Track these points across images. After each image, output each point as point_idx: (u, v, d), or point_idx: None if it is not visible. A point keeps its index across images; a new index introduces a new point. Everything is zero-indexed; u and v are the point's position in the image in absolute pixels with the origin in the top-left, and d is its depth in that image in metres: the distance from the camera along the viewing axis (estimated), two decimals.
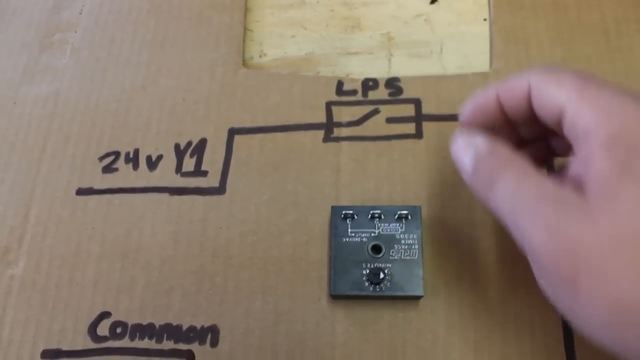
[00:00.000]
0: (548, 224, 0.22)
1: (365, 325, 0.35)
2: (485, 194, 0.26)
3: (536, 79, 0.26)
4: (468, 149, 0.28)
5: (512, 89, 0.27)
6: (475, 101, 0.30)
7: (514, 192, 0.24)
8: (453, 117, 0.39)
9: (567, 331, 0.34)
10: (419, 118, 0.39)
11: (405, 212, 0.34)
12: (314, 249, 0.36)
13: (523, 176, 0.25)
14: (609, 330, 0.22)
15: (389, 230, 0.34)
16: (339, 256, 0.34)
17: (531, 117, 0.28)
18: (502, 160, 0.26)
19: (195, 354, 0.35)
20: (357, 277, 0.33)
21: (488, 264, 0.35)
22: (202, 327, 0.35)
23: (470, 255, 0.36)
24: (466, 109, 0.31)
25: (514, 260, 0.36)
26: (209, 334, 0.35)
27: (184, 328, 0.35)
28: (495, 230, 0.36)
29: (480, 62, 0.41)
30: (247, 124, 0.39)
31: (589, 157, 0.22)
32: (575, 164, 0.25)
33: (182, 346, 0.35)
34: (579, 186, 0.24)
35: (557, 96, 0.24)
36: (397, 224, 0.34)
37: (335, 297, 0.34)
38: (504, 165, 0.25)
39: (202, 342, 0.35)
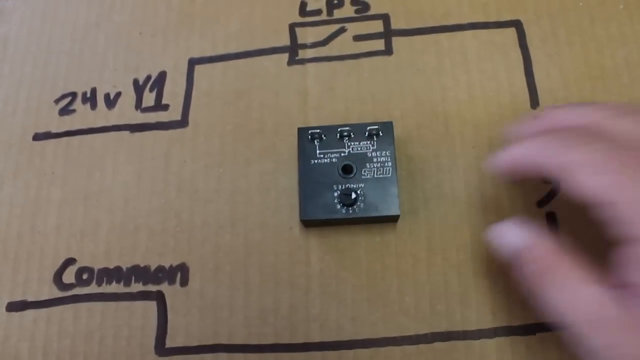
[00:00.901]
0: (609, 349, 0.21)
1: (341, 252, 0.33)
2: (533, 293, 0.24)
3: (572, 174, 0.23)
4: (511, 240, 0.26)
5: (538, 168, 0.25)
6: (511, 162, 0.27)
7: (570, 306, 0.23)
8: (423, 31, 0.36)
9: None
10: (388, 34, 0.36)
11: (376, 128, 0.31)
12: (283, 176, 0.34)
13: (578, 287, 0.23)
14: None
15: (359, 148, 0.32)
16: (308, 179, 0.32)
17: None
18: (551, 263, 0.24)
19: (165, 295, 0.33)
20: (329, 199, 0.31)
21: (468, 178, 0.33)
22: (171, 266, 0.33)
23: (448, 172, 0.34)
24: (501, 163, 0.27)
25: (495, 176, 0.34)
26: (179, 273, 0.33)
27: (152, 269, 0.33)
28: (475, 143, 0.34)
29: None
30: (208, 53, 0.37)
31: None
32: (629, 265, 0.22)
33: (151, 287, 0.33)
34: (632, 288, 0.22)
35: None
36: (368, 142, 0.32)
37: (307, 223, 0.32)
38: (554, 269, 0.24)
39: (171, 281, 0.33)
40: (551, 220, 0.32)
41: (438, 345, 0.31)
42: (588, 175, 0.22)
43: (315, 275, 0.32)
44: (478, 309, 0.31)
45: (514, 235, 0.26)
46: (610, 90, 0.34)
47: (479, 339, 0.31)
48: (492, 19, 0.37)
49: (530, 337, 0.31)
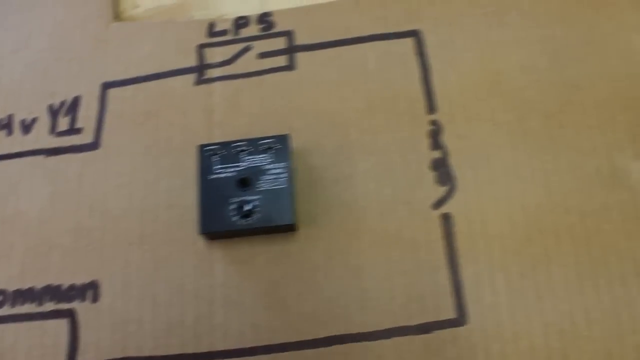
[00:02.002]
0: None
1: (243, 263, 0.34)
2: None
3: None
4: None
5: None
6: None
7: None
8: (325, 45, 0.38)
9: (450, 247, 0.33)
10: (291, 49, 0.38)
11: (270, 141, 0.33)
12: (189, 192, 0.35)
13: None
14: None
15: (256, 162, 0.33)
16: (207, 194, 0.33)
17: None
18: None
19: (77, 312, 0.34)
20: (226, 212, 0.33)
21: (367, 185, 0.35)
22: (83, 283, 0.35)
23: (347, 180, 0.35)
24: None
25: (392, 180, 0.35)
26: (90, 290, 0.34)
27: (64, 287, 0.35)
28: (372, 150, 0.35)
29: None
30: (120, 77, 0.38)
31: None
32: None
33: (63, 305, 0.34)
34: None
35: None
36: (265, 155, 0.33)
37: (209, 235, 0.33)
38: None
39: (83, 299, 0.34)
40: (446, 221, 0.33)
41: (336, 348, 0.32)
42: None
43: (219, 285, 0.33)
44: (375, 310, 0.32)
45: None
46: (505, 93, 0.36)
47: (376, 340, 0.32)
48: (392, 29, 0.38)
49: (426, 336, 0.32)
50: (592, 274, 0.32)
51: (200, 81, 0.37)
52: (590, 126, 0.35)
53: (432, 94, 0.36)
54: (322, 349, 0.32)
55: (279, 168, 0.33)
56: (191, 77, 0.38)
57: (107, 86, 0.38)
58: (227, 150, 0.33)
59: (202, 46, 0.38)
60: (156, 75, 0.38)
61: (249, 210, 0.32)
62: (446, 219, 0.33)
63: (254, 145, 0.33)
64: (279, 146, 0.33)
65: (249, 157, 0.33)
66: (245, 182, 0.33)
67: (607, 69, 0.36)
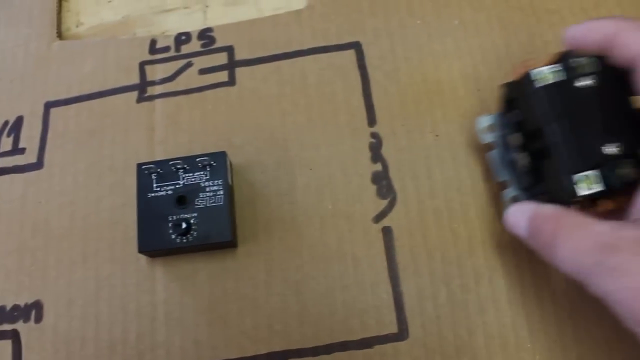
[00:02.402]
0: (616, 276, 0.22)
1: (184, 279, 0.34)
2: (548, 256, 0.26)
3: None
4: (521, 216, 0.28)
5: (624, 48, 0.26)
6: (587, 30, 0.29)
7: (573, 250, 0.24)
8: (265, 59, 0.38)
9: (391, 261, 0.33)
10: (232, 65, 0.38)
11: (206, 159, 0.33)
12: (131, 210, 0.35)
13: (578, 230, 0.24)
14: None
15: (194, 179, 0.33)
16: (146, 213, 0.33)
17: None
18: (555, 220, 0.25)
19: (20, 333, 0.34)
20: (164, 230, 0.33)
21: (307, 200, 0.35)
22: (26, 304, 0.35)
23: (287, 195, 0.35)
24: (575, 32, 0.29)
25: (332, 194, 0.36)
26: (33, 310, 0.35)
27: (8, 308, 0.35)
28: (312, 165, 0.36)
29: (297, 0, 0.40)
30: (63, 96, 0.39)
31: None
32: None
33: (7, 327, 0.34)
34: None
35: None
36: (202, 173, 0.33)
37: (149, 254, 0.34)
38: (558, 225, 0.25)
39: (26, 319, 0.34)
40: (387, 234, 0.33)
41: None
42: None
43: (160, 303, 0.34)
44: (316, 326, 0.33)
45: (516, 217, 0.28)
46: (446, 103, 0.36)
47: (315, 355, 0.32)
48: (333, 42, 0.38)
49: (367, 351, 0.32)
50: (534, 285, 0.32)
51: (142, 99, 0.38)
52: None
53: (372, 106, 0.36)
54: None
55: (216, 185, 0.33)
56: (133, 95, 0.38)
57: (49, 105, 0.38)
58: (165, 169, 0.34)
59: (144, 63, 0.38)
60: (99, 93, 0.38)
61: (187, 228, 0.32)
62: (387, 232, 0.34)
63: (191, 162, 0.33)
64: (215, 163, 0.33)
65: (187, 175, 0.34)
66: (182, 200, 0.33)
67: None
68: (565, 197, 0.27)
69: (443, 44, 0.38)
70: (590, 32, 0.28)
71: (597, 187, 0.26)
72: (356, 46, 0.38)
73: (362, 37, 0.38)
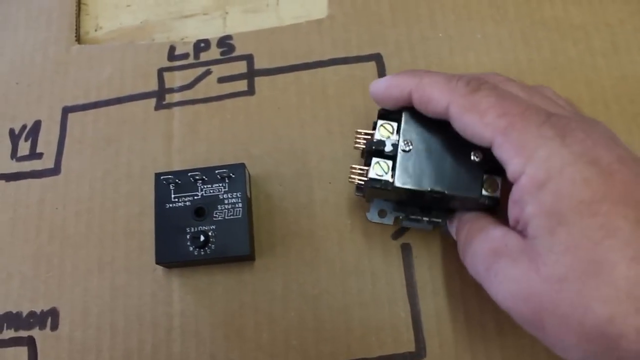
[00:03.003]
0: (500, 281, 0.23)
1: (200, 292, 0.34)
2: (463, 261, 0.27)
3: (457, 106, 0.25)
4: (451, 227, 0.30)
5: (428, 101, 0.26)
6: (387, 87, 0.28)
7: (473, 255, 0.26)
8: (285, 69, 0.38)
9: (410, 279, 0.33)
10: (251, 74, 0.38)
11: (225, 171, 0.32)
12: (147, 219, 0.35)
13: (479, 235, 0.26)
14: (582, 356, 0.22)
15: (212, 191, 0.33)
16: (163, 223, 0.33)
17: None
18: (468, 225, 0.27)
19: (36, 340, 0.34)
20: (182, 242, 0.33)
21: (325, 214, 0.35)
22: (42, 311, 0.35)
23: (305, 208, 0.35)
24: (377, 89, 0.29)
25: (350, 209, 0.35)
26: (49, 318, 0.35)
27: (24, 314, 0.35)
28: (331, 178, 0.36)
29: (317, 9, 0.39)
30: (81, 101, 0.38)
31: (523, 203, 0.23)
32: (513, 207, 0.24)
33: (23, 333, 0.34)
34: (522, 229, 0.24)
35: (482, 134, 0.24)
36: (220, 184, 0.33)
37: (165, 265, 0.33)
38: (469, 230, 0.27)
39: (42, 326, 0.34)
40: (406, 251, 0.33)
41: None
42: (480, 116, 0.24)
43: (177, 314, 0.33)
44: (332, 342, 0.32)
45: (449, 227, 0.31)
46: None
47: None
48: (353, 53, 0.38)
49: None
50: None
51: (160, 106, 0.37)
52: None
53: None
54: None
55: (234, 198, 0.33)
56: (152, 102, 0.38)
57: (67, 110, 0.38)
58: (183, 179, 0.33)
59: (163, 70, 0.38)
60: (117, 99, 0.38)
61: (205, 241, 0.32)
62: (406, 249, 0.33)
63: (210, 174, 0.33)
64: (234, 175, 0.33)
65: (205, 186, 0.33)
66: (201, 211, 0.33)
67: (572, 94, 0.36)
68: None
69: (465, 57, 0.37)
70: (390, 90, 0.28)
71: None
72: (377, 58, 0.37)
73: (383, 48, 0.38)
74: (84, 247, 0.35)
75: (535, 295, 0.22)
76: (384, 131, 0.28)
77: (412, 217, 0.31)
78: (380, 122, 0.29)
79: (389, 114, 0.29)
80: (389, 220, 0.33)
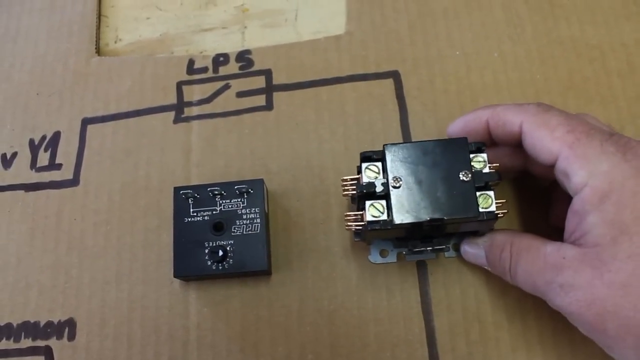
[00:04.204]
0: (565, 291, 0.25)
1: (217, 305, 0.34)
2: (509, 280, 0.29)
3: (529, 123, 0.27)
4: (478, 248, 0.31)
5: (503, 124, 0.29)
6: (465, 122, 0.31)
7: (528, 272, 0.27)
8: (303, 85, 0.38)
9: (425, 295, 0.33)
10: (270, 89, 0.38)
11: (244, 187, 0.33)
12: (165, 232, 0.35)
13: (528, 253, 0.27)
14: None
15: (230, 206, 0.33)
16: (182, 237, 0.33)
17: (519, 148, 0.29)
18: (509, 246, 0.29)
19: (54, 349, 0.35)
20: (200, 256, 0.33)
21: (342, 231, 0.35)
22: (60, 321, 0.35)
23: (322, 224, 0.35)
24: (455, 128, 0.31)
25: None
26: (67, 328, 0.35)
27: (42, 324, 0.35)
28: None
29: (336, 25, 0.40)
30: (100, 113, 0.39)
31: (585, 213, 0.25)
32: (572, 217, 0.26)
33: (40, 343, 0.35)
34: (579, 238, 0.25)
35: (550, 147, 0.26)
36: (239, 200, 0.34)
37: (184, 278, 0.34)
38: (512, 250, 0.28)
39: (59, 336, 0.35)
40: (421, 268, 0.34)
41: None
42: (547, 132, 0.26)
43: (193, 327, 0.34)
44: (347, 357, 0.33)
45: (473, 250, 0.32)
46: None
47: None
48: (371, 70, 0.38)
49: None
50: (566, 326, 0.32)
51: (179, 119, 0.38)
52: None
53: (410, 137, 0.36)
54: None
55: (252, 213, 0.33)
56: (170, 115, 0.38)
57: (87, 122, 0.39)
58: (202, 194, 0.34)
59: (182, 83, 0.39)
60: (136, 112, 0.38)
61: (223, 256, 0.32)
62: (421, 266, 0.34)
63: (229, 189, 0.34)
64: (252, 191, 0.33)
65: (224, 201, 0.34)
66: (219, 226, 0.33)
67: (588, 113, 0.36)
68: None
69: (482, 76, 0.38)
70: (468, 124, 0.31)
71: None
72: (395, 75, 0.38)
73: (401, 66, 0.38)
74: (102, 258, 0.36)
75: (599, 300, 0.24)
76: (370, 173, 0.29)
77: (416, 250, 0.31)
78: (364, 165, 0.29)
79: (371, 156, 0.29)
80: (392, 258, 0.34)
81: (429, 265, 0.33)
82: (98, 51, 0.41)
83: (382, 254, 0.34)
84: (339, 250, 0.34)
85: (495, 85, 0.37)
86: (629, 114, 0.36)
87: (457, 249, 0.33)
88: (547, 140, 0.26)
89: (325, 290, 0.34)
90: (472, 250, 0.32)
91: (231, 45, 0.40)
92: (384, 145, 0.28)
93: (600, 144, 0.25)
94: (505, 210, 0.28)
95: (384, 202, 0.28)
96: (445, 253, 0.33)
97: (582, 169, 0.25)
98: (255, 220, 0.33)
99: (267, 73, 0.38)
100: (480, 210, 0.27)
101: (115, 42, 0.42)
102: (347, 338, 0.33)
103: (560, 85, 0.37)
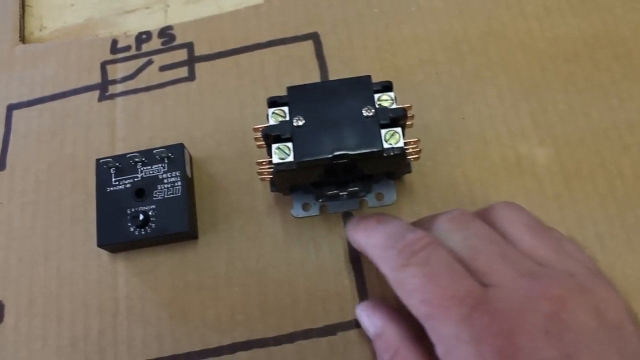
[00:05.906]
0: None
1: (145, 273, 0.34)
2: None
3: (389, 279, 0.26)
4: (369, 325, 0.30)
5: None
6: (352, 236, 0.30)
7: None
8: (225, 54, 0.38)
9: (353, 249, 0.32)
10: (192, 60, 0.38)
11: (164, 151, 0.33)
12: (92, 206, 0.35)
13: None
14: None
15: (151, 172, 0.33)
16: (104, 207, 0.33)
17: None
18: (393, 352, 0.27)
19: None
20: (123, 223, 0.32)
21: (266, 189, 0.34)
22: None
23: (246, 185, 0.35)
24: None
25: None
26: None
27: None
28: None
29: None
30: (26, 98, 0.39)
31: None
32: None
33: None
34: None
35: (411, 311, 0.25)
36: (160, 165, 0.33)
37: (110, 248, 0.34)
38: (392, 353, 0.27)
39: None
40: (347, 219, 0.33)
41: (240, 354, 0.32)
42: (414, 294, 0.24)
43: (123, 298, 0.33)
44: (278, 315, 0.32)
45: (367, 322, 0.30)
46: (405, 88, 0.36)
47: (278, 344, 0.32)
48: (290, 34, 0.38)
49: (330, 338, 0.31)
50: None
51: (104, 97, 0.38)
52: (492, 116, 0.35)
53: None
54: (225, 357, 0.32)
55: (174, 177, 0.33)
56: (95, 94, 0.38)
57: (12, 108, 0.38)
58: (123, 162, 0.33)
59: (106, 63, 0.39)
60: (61, 94, 0.38)
61: (145, 220, 0.32)
62: (347, 217, 0.34)
63: (149, 155, 0.33)
64: (173, 155, 0.33)
65: (145, 168, 0.33)
66: (141, 192, 0.33)
67: (508, 59, 0.36)
68: None
69: (400, 31, 0.38)
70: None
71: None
72: (314, 37, 0.38)
73: (320, 28, 0.38)
74: (30, 238, 0.35)
75: None
76: (277, 117, 0.28)
77: (329, 193, 0.31)
78: (270, 110, 0.28)
79: (277, 101, 0.28)
80: (314, 211, 0.34)
81: (355, 214, 0.33)
82: (23, 40, 0.41)
83: (305, 207, 0.33)
84: (264, 209, 0.34)
85: (414, 38, 0.37)
86: (548, 55, 0.36)
87: (380, 199, 0.33)
88: (406, 303, 0.24)
89: (252, 249, 0.33)
90: (366, 321, 0.30)
91: (155, 24, 0.40)
92: (287, 87, 0.28)
93: (455, 325, 0.22)
94: (418, 149, 0.28)
95: (290, 144, 0.27)
96: (369, 202, 0.33)
97: (438, 345, 0.23)
98: (176, 184, 0.33)
99: (189, 46, 0.38)
100: (388, 145, 0.27)
101: (40, 30, 0.42)
102: (277, 295, 0.32)
103: (480, 33, 0.37)
